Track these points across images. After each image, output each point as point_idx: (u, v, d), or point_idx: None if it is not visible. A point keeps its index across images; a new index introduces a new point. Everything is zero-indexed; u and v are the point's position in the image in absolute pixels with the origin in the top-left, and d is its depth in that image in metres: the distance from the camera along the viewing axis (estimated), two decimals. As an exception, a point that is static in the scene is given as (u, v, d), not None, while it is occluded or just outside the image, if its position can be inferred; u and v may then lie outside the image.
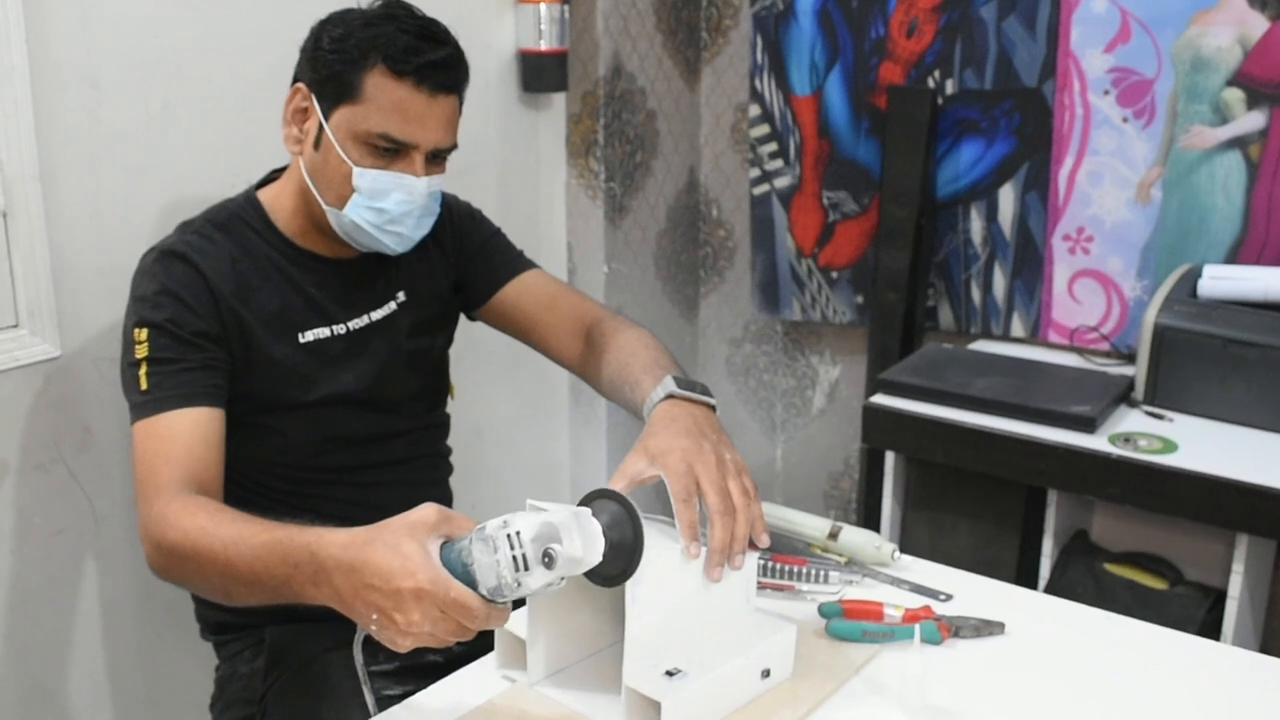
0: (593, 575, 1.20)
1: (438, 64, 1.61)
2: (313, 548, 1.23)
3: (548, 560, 1.13)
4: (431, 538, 1.17)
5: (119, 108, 1.97)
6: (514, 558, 1.13)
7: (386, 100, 1.60)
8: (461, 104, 1.70)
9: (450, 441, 2.00)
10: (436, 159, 1.68)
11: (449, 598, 1.14)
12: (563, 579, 1.15)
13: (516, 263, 1.94)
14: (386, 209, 1.65)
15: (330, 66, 1.62)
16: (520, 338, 1.93)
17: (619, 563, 1.20)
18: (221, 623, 1.83)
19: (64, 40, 1.88)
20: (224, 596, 1.43)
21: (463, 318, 1.97)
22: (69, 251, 1.93)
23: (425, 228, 1.72)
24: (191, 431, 1.56)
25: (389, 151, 1.63)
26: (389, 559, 1.16)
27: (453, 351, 1.98)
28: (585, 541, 1.14)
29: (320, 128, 1.64)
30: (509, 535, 1.13)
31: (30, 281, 1.88)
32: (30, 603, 1.98)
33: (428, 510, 1.19)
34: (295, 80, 1.68)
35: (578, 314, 1.85)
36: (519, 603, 1.19)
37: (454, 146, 1.70)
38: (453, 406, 2.01)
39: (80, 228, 1.94)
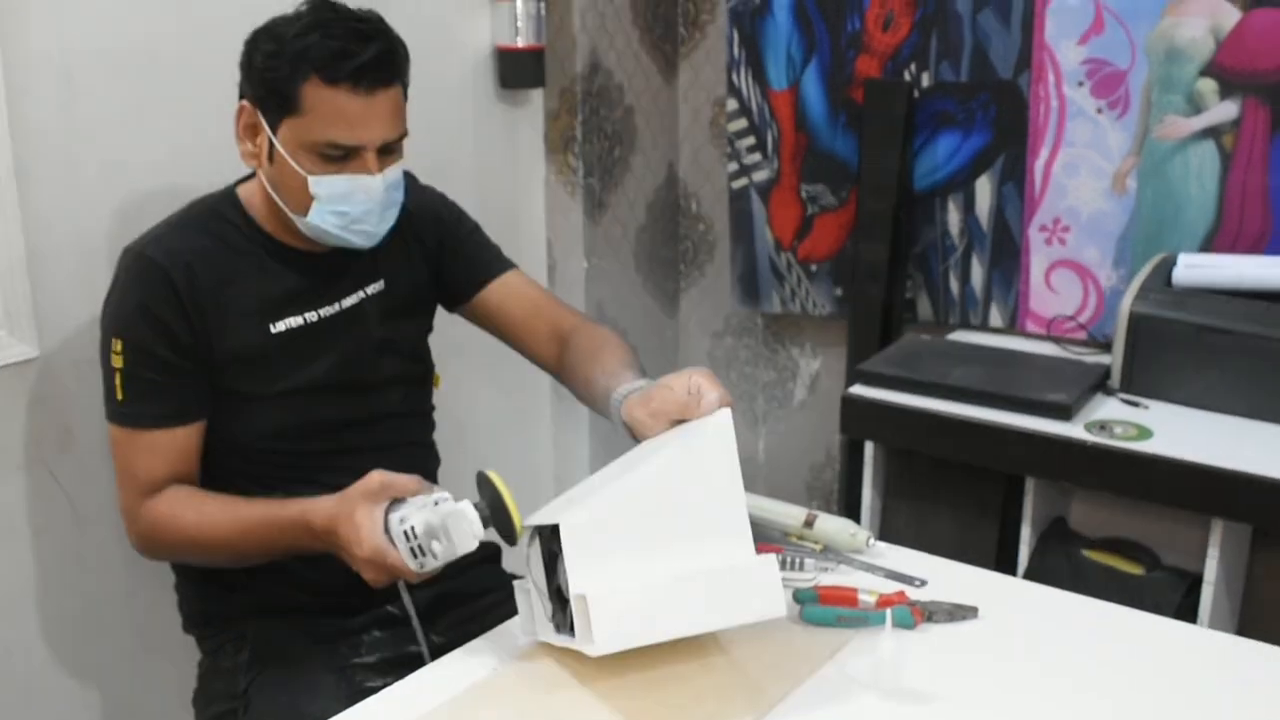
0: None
1: (369, 64, 1.61)
2: (305, 518, 1.54)
3: (433, 554, 1.42)
4: (379, 505, 1.46)
5: (93, 103, 1.97)
6: (411, 549, 1.43)
7: (326, 109, 1.61)
8: (405, 88, 1.70)
9: (434, 437, 2.01)
10: (389, 150, 1.69)
11: (386, 564, 1.44)
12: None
13: (495, 263, 1.96)
14: (348, 211, 1.67)
15: (268, 83, 1.63)
16: (498, 337, 1.98)
17: (502, 533, 1.42)
18: (204, 614, 1.84)
19: (36, 35, 1.88)
20: (229, 567, 1.76)
21: (442, 313, 1.99)
22: (46, 251, 1.93)
23: (390, 220, 1.74)
24: (169, 446, 1.69)
25: (340, 156, 1.64)
26: (347, 529, 1.46)
27: (433, 349, 1.99)
28: (454, 542, 1.41)
29: (271, 142, 1.66)
30: (405, 531, 1.42)
31: (7, 282, 1.88)
32: (13, 603, 1.98)
33: (371, 480, 1.47)
34: (240, 96, 1.70)
35: (556, 320, 1.90)
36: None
37: (404, 134, 1.71)
38: (435, 401, 2.01)
39: (57, 226, 1.94)
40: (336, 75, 1.59)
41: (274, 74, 1.62)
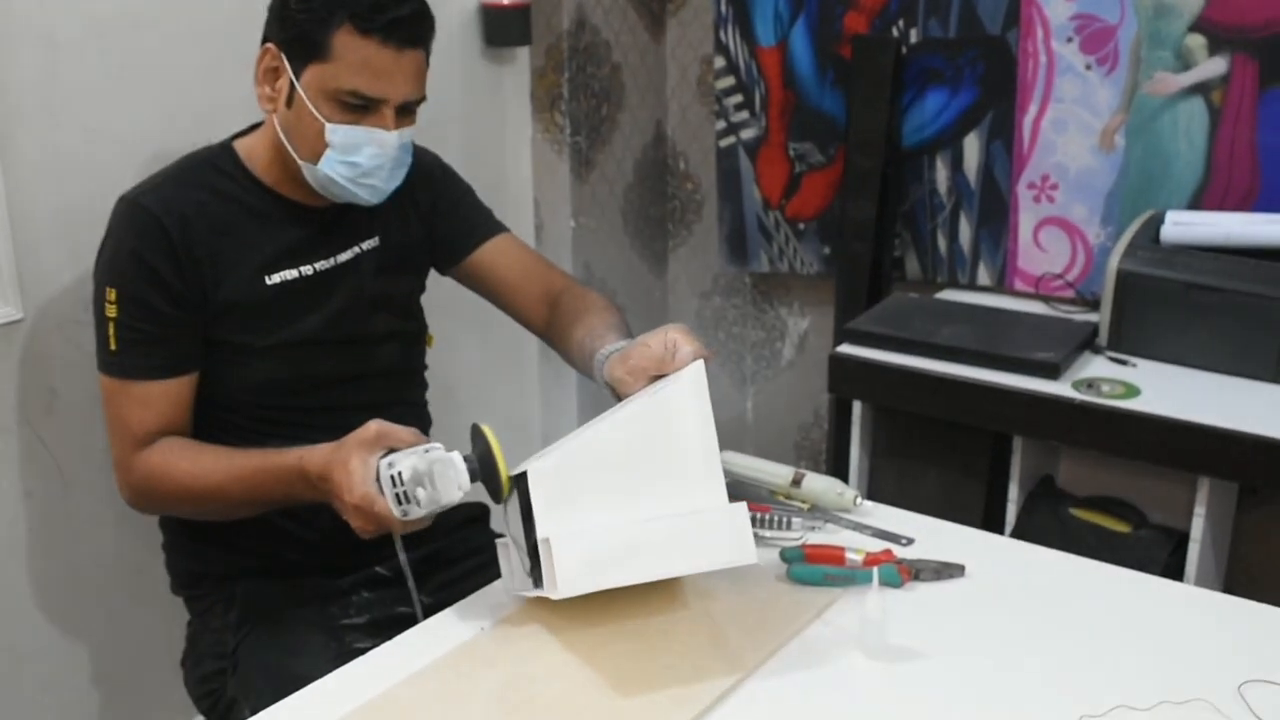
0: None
1: (404, 19, 1.62)
2: (301, 465, 1.53)
3: (417, 501, 1.40)
4: (373, 454, 1.45)
5: (77, 66, 1.95)
6: (396, 495, 1.41)
7: (355, 58, 1.62)
8: (428, 56, 1.71)
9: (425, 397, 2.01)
10: (406, 111, 1.70)
11: (372, 511, 1.43)
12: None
13: (488, 225, 1.98)
14: (359, 163, 1.67)
15: (299, 26, 1.63)
16: (488, 299, 1.99)
17: (490, 488, 1.41)
18: (193, 574, 1.84)
19: (18, -2, 1.86)
20: (220, 518, 1.73)
21: (433, 274, 1.99)
22: (30, 214, 1.92)
23: (398, 179, 1.74)
24: (162, 397, 1.68)
25: (360, 107, 1.65)
26: (340, 474, 1.45)
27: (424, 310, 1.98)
28: (439, 490, 1.39)
29: (292, 86, 1.66)
30: (391, 475, 1.42)
31: (-9, 244, 1.87)
32: (1, 566, 1.98)
33: (368, 429, 1.47)
34: (264, 40, 1.69)
35: (546, 283, 1.93)
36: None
37: (423, 98, 1.71)
38: (426, 362, 2.01)
39: (40, 190, 1.93)
40: (370, 26, 1.60)
41: (307, 17, 1.62)
